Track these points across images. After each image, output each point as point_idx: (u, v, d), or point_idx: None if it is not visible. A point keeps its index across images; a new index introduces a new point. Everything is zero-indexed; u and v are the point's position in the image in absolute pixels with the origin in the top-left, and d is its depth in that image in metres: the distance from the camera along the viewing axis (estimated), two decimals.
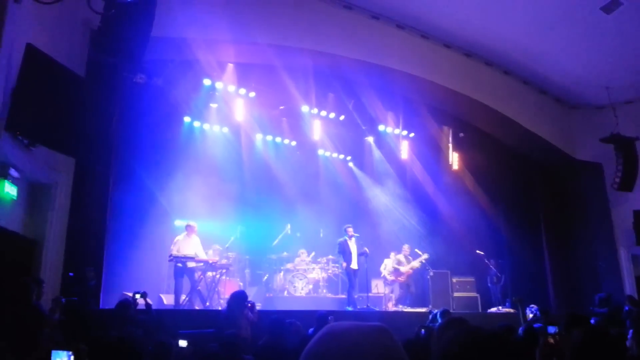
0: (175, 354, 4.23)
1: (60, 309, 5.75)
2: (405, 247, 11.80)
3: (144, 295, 6.51)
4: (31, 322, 4.81)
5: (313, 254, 11.98)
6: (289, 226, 12.15)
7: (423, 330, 7.46)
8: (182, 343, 4.65)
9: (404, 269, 11.50)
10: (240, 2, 8.94)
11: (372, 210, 13.24)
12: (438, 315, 7.62)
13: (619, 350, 2.19)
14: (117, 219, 8.97)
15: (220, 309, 8.98)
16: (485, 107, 11.58)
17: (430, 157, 13.64)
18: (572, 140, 13.04)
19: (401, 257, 11.70)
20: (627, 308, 9.49)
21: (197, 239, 9.73)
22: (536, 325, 7.46)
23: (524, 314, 9.15)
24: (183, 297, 9.12)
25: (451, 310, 10.69)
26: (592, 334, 2.28)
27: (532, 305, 9.01)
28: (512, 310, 10.94)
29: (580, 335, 2.31)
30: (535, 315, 8.71)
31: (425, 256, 11.63)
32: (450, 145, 13.70)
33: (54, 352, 3.12)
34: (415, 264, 11.62)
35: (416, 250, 11.85)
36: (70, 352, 3.15)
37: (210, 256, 10.13)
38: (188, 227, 9.68)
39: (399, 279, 11.55)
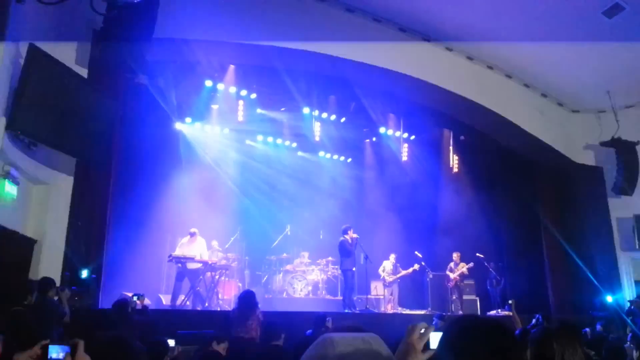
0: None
1: (67, 300, 5.78)
2: (392, 257, 11.85)
3: (141, 298, 6.55)
4: (32, 319, 4.82)
5: (307, 254, 12.01)
6: (288, 227, 12.17)
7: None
8: (171, 342, 4.65)
9: (390, 278, 11.57)
10: (242, 3, 8.94)
11: (372, 212, 13.24)
12: (435, 319, 7.66)
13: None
14: (117, 218, 8.99)
15: (219, 309, 9.01)
16: (487, 110, 11.58)
17: (430, 160, 13.65)
18: (573, 144, 13.03)
19: (388, 264, 11.74)
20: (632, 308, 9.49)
21: (203, 241, 9.78)
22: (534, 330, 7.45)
23: (519, 318, 9.11)
24: (182, 297, 9.13)
25: (449, 313, 10.73)
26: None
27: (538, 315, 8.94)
28: (511, 314, 10.92)
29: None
30: (537, 320, 8.67)
31: (415, 267, 11.62)
32: (451, 148, 13.71)
33: (50, 347, 3.08)
34: (403, 272, 11.67)
35: (416, 252, 11.85)
36: (67, 347, 3.12)
37: (214, 247, 10.24)
38: (191, 233, 9.74)
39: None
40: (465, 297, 12.11)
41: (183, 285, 9.36)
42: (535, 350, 2.07)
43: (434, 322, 7.48)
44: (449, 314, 10.49)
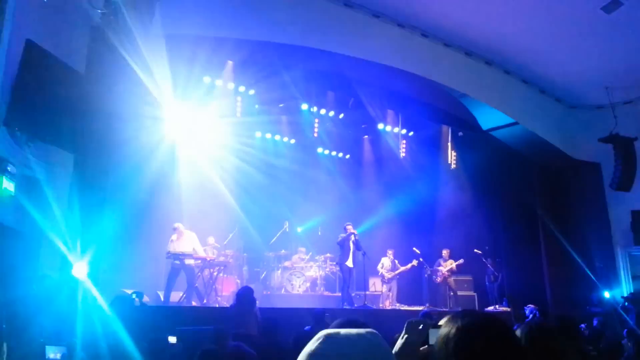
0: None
1: None
2: (390, 253, 11.86)
3: (139, 296, 6.55)
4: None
5: (310, 253, 12.00)
6: (287, 224, 12.18)
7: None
8: (172, 339, 4.64)
9: (388, 275, 11.58)
10: None
11: (370, 208, 13.25)
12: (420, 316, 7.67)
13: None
14: (115, 215, 8.95)
15: (217, 306, 9.01)
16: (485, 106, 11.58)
17: (429, 156, 13.65)
18: (571, 139, 13.04)
19: (386, 260, 11.75)
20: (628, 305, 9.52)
21: (192, 235, 9.67)
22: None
23: (517, 313, 9.14)
24: (180, 294, 9.12)
25: (447, 309, 10.77)
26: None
27: (531, 305, 8.97)
28: (508, 309, 10.97)
29: None
30: (534, 315, 8.68)
31: (414, 263, 11.64)
32: (449, 144, 13.72)
33: (47, 347, 3.07)
34: (402, 268, 11.69)
35: (414, 249, 11.87)
36: (64, 347, 3.11)
37: (211, 244, 10.18)
38: (174, 229, 9.61)
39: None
40: (462, 292, 12.14)
41: (177, 281, 9.30)
42: (534, 345, 2.07)
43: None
44: (442, 310, 10.51)
